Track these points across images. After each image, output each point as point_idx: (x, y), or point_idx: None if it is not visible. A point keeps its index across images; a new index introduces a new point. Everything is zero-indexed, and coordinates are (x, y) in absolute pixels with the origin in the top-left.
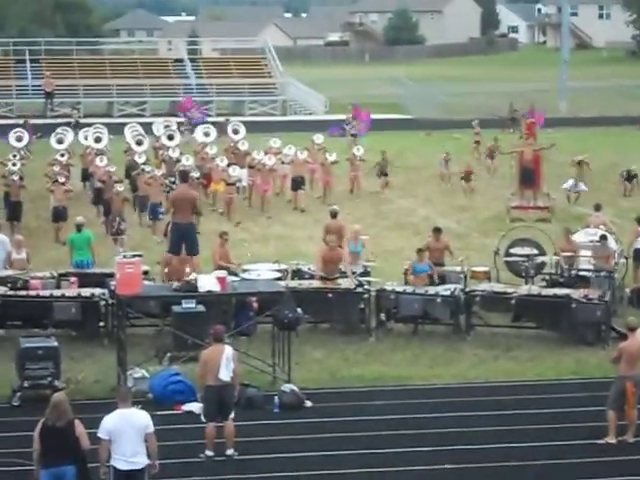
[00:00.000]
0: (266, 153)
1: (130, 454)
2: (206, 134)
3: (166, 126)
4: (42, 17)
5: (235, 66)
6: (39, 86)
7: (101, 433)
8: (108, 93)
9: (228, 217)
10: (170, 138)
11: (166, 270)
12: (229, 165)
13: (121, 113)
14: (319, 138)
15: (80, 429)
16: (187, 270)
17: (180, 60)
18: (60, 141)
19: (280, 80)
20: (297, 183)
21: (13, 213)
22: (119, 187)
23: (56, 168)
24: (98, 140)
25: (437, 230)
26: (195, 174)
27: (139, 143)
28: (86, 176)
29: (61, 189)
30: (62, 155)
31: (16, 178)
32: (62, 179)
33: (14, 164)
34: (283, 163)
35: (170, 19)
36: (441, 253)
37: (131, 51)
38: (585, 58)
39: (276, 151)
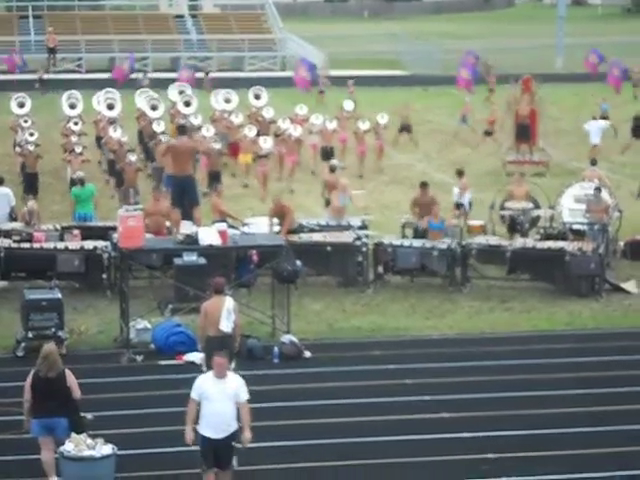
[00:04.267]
0: (292, 121)
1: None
2: (227, 100)
3: (181, 92)
4: None
5: (235, 22)
6: (42, 41)
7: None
8: (110, 48)
9: (262, 193)
10: (187, 104)
11: (146, 221)
12: (258, 135)
13: None
14: (349, 105)
15: (71, 379)
16: (167, 223)
17: (181, 16)
18: (72, 106)
19: (279, 36)
20: (326, 153)
21: (29, 186)
22: (132, 156)
23: (74, 138)
24: (111, 107)
25: (424, 185)
26: (217, 145)
27: (154, 108)
28: (101, 144)
29: (78, 160)
30: (75, 124)
31: (32, 148)
32: (79, 149)
33: (31, 134)
34: (311, 133)
35: None
36: (428, 207)
37: (132, 7)
38: (581, 15)
39: (303, 118)
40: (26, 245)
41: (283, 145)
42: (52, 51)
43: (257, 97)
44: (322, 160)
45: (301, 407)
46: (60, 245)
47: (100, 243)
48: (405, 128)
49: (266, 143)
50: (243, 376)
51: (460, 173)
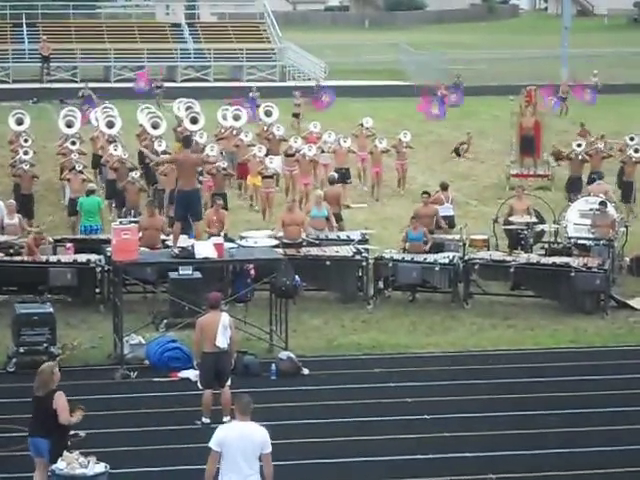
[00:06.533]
0: (305, 140)
1: (243, 474)
2: (236, 117)
3: (188, 107)
4: None
5: (233, 31)
6: (36, 50)
7: (212, 443)
8: (105, 58)
9: (265, 215)
10: (193, 121)
11: (140, 234)
12: (266, 155)
13: (118, 78)
14: (368, 122)
15: (60, 402)
16: (161, 237)
17: (178, 25)
18: (69, 124)
19: (279, 45)
20: (341, 176)
21: (24, 209)
22: (134, 174)
23: (74, 157)
24: (110, 125)
25: (426, 194)
26: (222, 164)
27: (155, 126)
28: (97, 163)
29: (78, 178)
30: (73, 143)
31: (27, 167)
32: (80, 167)
33: (26, 152)
34: (323, 152)
35: None
36: (430, 220)
37: (128, 15)
38: (587, 25)
39: (317, 136)
40: (17, 258)
41: (296, 166)
42: (46, 60)
43: (268, 114)
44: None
45: (299, 425)
46: (52, 258)
47: (93, 256)
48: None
49: (272, 163)
50: (239, 393)
51: (444, 187)
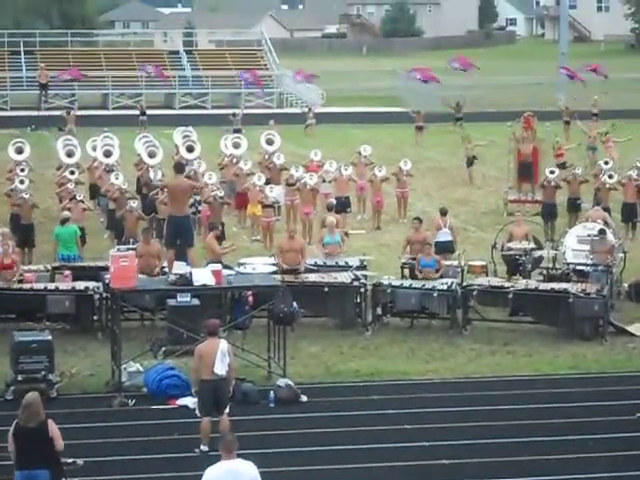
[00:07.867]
0: (306, 168)
1: None
2: (236, 145)
3: (185, 135)
4: (37, 8)
5: (231, 58)
6: (33, 78)
7: None
8: (103, 85)
9: (267, 245)
10: (190, 150)
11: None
12: (266, 183)
13: (116, 105)
14: (366, 150)
15: (55, 429)
16: (157, 263)
17: (176, 52)
18: (70, 154)
19: (276, 72)
20: (341, 204)
21: (25, 239)
22: (132, 203)
23: (70, 186)
24: (108, 154)
25: (417, 220)
26: (219, 192)
27: (151, 155)
28: (95, 193)
29: (79, 207)
30: (72, 173)
31: (26, 196)
32: (80, 196)
33: (22, 181)
34: (324, 181)
35: (166, 10)
36: (421, 246)
37: (126, 43)
38: (583, 51)
39: (318, 164)
40: (15, 286)
41: (297, 195)
42: (44, 87)
43: (269, 142)
44: (336, 213)
45: (297, 453)
46: (50, 286)
47: (91, 284)
48: (470, 162)
49: (272, 192)
50: (237, 421)
51: (443, 213)
